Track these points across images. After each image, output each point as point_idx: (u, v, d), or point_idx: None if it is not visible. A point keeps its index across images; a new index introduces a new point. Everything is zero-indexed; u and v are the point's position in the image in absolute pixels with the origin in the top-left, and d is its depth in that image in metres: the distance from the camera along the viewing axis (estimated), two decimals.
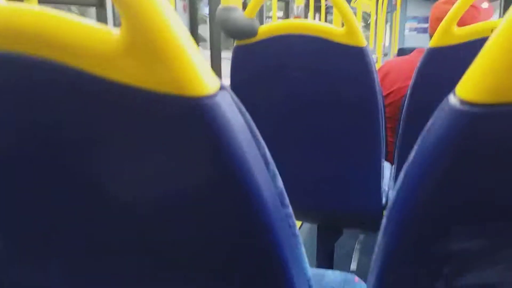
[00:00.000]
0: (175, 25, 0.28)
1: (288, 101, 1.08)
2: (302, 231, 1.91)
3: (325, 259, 1.43)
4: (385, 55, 6.24)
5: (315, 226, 1.50)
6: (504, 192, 0.26)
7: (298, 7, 1.66)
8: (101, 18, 2.10)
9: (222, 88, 0.31)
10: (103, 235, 0.38)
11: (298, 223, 1.92)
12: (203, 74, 0.29)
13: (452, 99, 0.26)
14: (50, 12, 0.29)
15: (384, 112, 1.20)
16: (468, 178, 0.27)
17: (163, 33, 0.27)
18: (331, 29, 1.00)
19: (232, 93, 0.32)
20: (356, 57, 0.99)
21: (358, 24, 0.99)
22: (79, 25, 0.29)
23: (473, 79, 0.25)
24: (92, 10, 2.15)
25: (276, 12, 2.78)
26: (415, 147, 0.29)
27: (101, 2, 2.08)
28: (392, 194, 0.35)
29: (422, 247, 0.30)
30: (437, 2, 1.44)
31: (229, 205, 0.33)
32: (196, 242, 0.36)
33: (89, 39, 0.28)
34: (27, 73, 0.31)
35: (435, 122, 0.27)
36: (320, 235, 1.45)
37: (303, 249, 0.44)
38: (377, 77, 1.00)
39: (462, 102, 0.25)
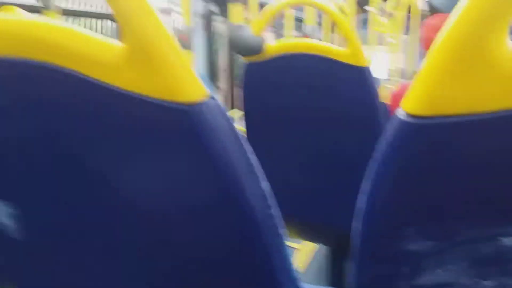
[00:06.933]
0: (170, 39, 0.31)
1: (294, 117, 1.12)
2: (318, 253, 1.90)
3: (337, 281, 1.43)
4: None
5: (328, 249, 1.51)
6: (445, 196, 0.29)
7: (309, 26, 1.71)
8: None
9: (211, 97, 0.34)
10: (106, 232, 0.42)
11: (311, 245, 1.92)
12: (194, 84, 0.33)
13: (399, 112, 0.29)
14: (64, 25, 0.34)
15: None
16: (414, 183, 0.30)
17: (159, 46, 0.31)
18: (335, 49, 1.05)
19: (219, 101, 0.36)
20: (358, 76, 1.03)
21: (360, 45, 1.03)
22: (88, 37, 0.33)
23: (413, 94, 0.28)
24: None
25: (292, 31, 2.84)
26: (373, 156, 0.32)
27: None
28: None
29: (382, 248, 0.33)
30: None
31: (216, 204, 0.36)
32: (185, 241, 0.39)
33: (96, 50, 0.33)
34: (42, 77, 0.35)
35: (385, 133, 0.30)
36: (332, 255, 1.46)
37: (287, 250, 0.46)
38: (377, 96, 1.04)
39: (406, 114, 0.29)
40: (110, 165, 0.37)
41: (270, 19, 1.09)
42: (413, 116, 0.28)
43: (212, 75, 2.95)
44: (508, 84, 0.26)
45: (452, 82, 0.26)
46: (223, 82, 3.12)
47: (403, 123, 0.29)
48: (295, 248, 1.89)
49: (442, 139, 0.28)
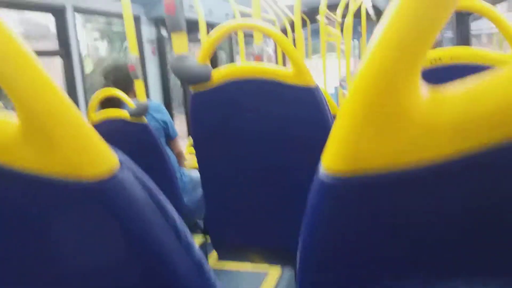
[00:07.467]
0: (68, 109, 0.28)
1: (245, 143, 1.11)
2: (284, 277, 1.88)
3: None
4: None
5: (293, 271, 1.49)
6: (374, 258, 0.27)
7: (258, 46, 1.70)
8: (68, 68, 2.09)
9: (121, 164, 0.32)
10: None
11: (277, 269, 1.89)
12: (99, 156, 0.30)
13: (320, 167, 0.27)
14: None
15: None
16: (341, 245, 0.28)
17: (55, 120, 0.28)
18: (280, 71, 1.04)
19: (134, 167, 0.33)
20: (306, 97, 1.02)
21: (305, 65, 1.03)
22: None
23: (331, 150, 0.26)
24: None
25: (244, 49, 2.84)
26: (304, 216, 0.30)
27: (66, 51, 2.08)
28: None
29: None
30: None
31: (141, 279, 0.33)
32: None
33: None
34: None
35: (310, 192, 0.29)
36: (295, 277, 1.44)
37: None
38: (327, 114, 1.02)
39: (325, 170, 0.26)
40: (33, 242, 0.34)
41: (215, 45, 1.08)
42: (333, 175, 0.26)
43: (167, 102, 2.91)
44: (423, 135, 0.23)
45: (365, 137, 0.24)
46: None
47: (323, 184, 0.26)
48: (264, 272, 1.87)
49: (364, 198, 0.26)
